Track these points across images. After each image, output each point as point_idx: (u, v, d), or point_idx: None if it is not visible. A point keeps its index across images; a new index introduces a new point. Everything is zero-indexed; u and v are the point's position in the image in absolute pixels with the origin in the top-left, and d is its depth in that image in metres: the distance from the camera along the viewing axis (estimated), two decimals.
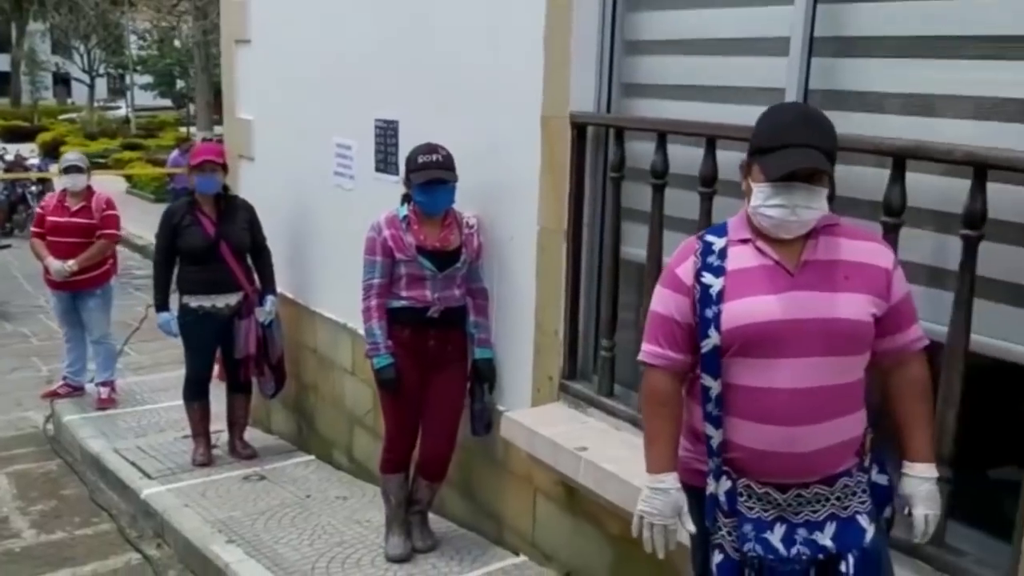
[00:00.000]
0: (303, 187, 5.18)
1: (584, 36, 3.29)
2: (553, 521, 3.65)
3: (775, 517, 2.17)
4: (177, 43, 34.55)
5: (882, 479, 2.24)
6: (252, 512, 4.52)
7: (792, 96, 2.70)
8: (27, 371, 7.90)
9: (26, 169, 15.38)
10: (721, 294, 2.16)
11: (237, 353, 5.13)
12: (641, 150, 3.20)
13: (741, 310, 2.12)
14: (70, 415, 6.26)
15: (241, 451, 5.36)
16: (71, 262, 6.04)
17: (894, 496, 2.25)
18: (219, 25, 6.33)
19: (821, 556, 2.15)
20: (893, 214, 2.40)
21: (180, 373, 5.37)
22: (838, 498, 2.17)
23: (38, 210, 6.62)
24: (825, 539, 2.15)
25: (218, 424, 5.40)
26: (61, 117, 37.93)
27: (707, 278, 2.18)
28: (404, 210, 3.70)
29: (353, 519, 4.36)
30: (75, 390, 6.65)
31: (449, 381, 3.80)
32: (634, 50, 3.33)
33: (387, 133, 4.37)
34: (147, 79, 38.16)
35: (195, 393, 5.22)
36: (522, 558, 3.81)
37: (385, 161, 4.39)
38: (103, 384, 6.50)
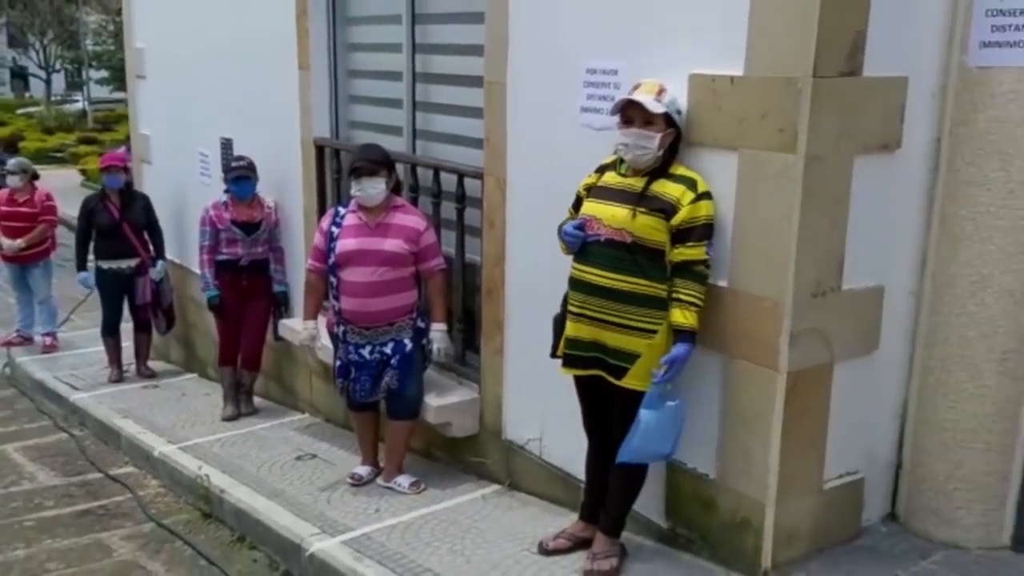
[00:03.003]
0: (184, 183, 7.57)
1: (319, 92, 5.73)
2: (319, 388, 6.11)
3: (366, 342, 4.61)
4: None
5: (422, 324, 4.69)
6: (143, 404, 6.95)
7: (406, 133, 5.17)
8: None
9: None
10: (337, 237, 4.60)
11: (137, 301, 7.55)
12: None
13: (343, 245, 4.57)
14: (22, 357, 8.64)
15: (144, 372, 7.78)
16: (19, 240, 8.43)
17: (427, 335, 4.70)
18: None
19: (384, 357, 4.59)
20: (435, 196, 4.87)
21: None
22: (396, 331, 4.61)
23: None
24: (387, 349, 4.59)
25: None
26: (19, 112, 39.79)
27: (334, 230, 4.63)
28: (224, 197, 6.13)
29: (210, 404, 6.76)
30: (26, 340, 9.04)
31: (257, 306, 6.25)
32: (351, 101, 5.78)
33: (227, 146, 6.79)
34: (103, 73, 40.10)
35: (109, 330, 7.64)
36: (306, 415, 6.28)
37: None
38: (47, 335, 8.91)
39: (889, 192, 3.37)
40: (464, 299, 4.89)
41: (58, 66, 43.84)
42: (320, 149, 5.79)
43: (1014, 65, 3.17)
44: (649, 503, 3.79)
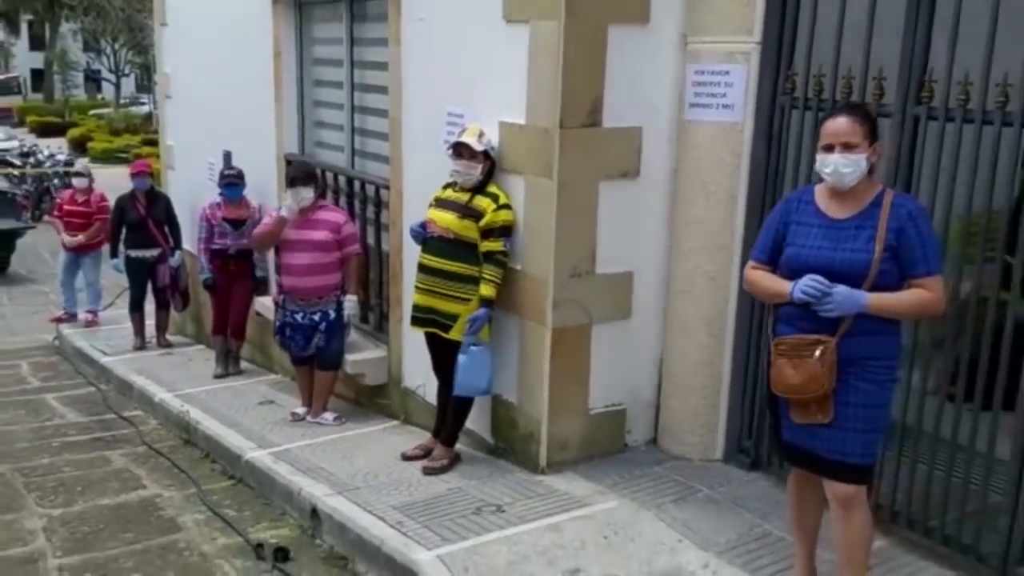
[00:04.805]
0: (197, 187, 9.27)
1: (289, 117, 7.37)
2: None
3: (300, 310, 6.21)
4: None
5: (342, 299, 6.27)
6: (157, 366, 8.65)
7: (346, 152, 6.76)
8: (43, 313, 12.12)
9: (39, 163, 19.96)
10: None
11: (158, 284, 9.28)
12: None
13: (283, 235, 6.17)
14: (68, 331, 10.46)
15: (162, 343, 9.51)
16: (80, 236, 10.25)
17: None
18: None
19: (313, 323, 6.18)
20: (363, 202, 6.45)
21: None
22: (324, 304, 6.20)
23: (57, 201, 10.84)
24: (316, 317, 6.19)
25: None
26: (91, 113, 42.51)
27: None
28: (219, 198, 7.80)
29: (208, 367, 8.39)
30: (71, 316, 10.87)
31: (243, 287, 7.91)
32: (314, 125, 7.40)
33: (228, 157, 8.46)
34: None
35: (135, 307, 9.39)
36: (279, 375, 7.91)
37: None
38: (90, 311, 10.72)
39: (633, 207, 4.85)
40: (381, 281, 6.47)
41: (127, 70, 46.51)
42: (290, 163, 7.42)
43: (706, 120, 4.64)
44: (482, 425, 5.32)
